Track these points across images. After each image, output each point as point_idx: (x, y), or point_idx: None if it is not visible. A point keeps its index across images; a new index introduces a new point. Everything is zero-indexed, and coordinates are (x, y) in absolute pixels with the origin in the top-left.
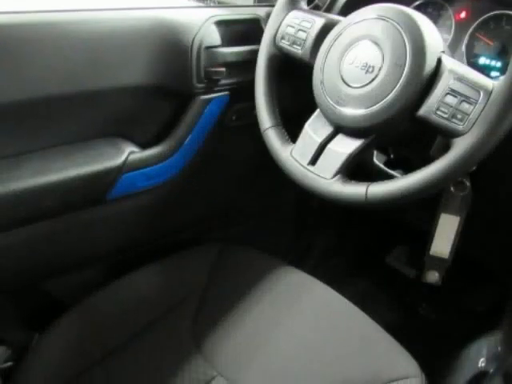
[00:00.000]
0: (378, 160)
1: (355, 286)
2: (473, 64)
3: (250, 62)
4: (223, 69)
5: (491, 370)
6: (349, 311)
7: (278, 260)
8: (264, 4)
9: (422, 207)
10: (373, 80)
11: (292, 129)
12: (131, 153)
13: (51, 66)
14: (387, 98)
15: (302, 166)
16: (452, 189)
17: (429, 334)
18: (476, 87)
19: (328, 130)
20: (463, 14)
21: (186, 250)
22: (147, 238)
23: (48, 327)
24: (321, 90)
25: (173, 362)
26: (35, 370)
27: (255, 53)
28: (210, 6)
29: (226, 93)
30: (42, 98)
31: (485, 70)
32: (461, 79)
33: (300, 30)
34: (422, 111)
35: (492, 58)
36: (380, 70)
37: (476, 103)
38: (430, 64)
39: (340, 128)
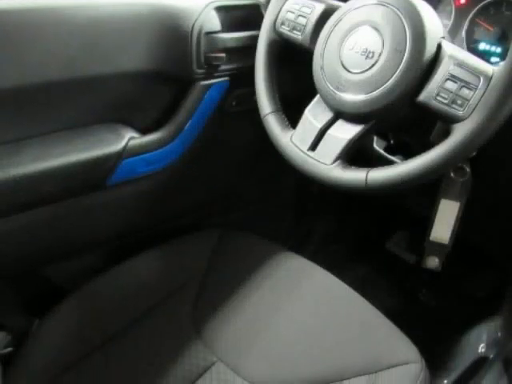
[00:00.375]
0: (377, 146)
1: (355, 271)
2: (473, 50)
3: (250, 47)
4: (223, 54)
5: (491, 356)
6: (349, 297)
7: (277, 245)
8: None
9: (422, 193)
10: (373, 66)
11: (292, 114)
12: (131, 138)
13: (51, 52)
14: (387, 84)
15: (301, 151)
16: (452, 174)
17: (429, 320)
18: (476, 73)
19: (328, 115)
20: (463, 0)
21: (185, 235)
22: (147, 224)
23: (48, 313)
24: (321, 76)
25: (173, 347)
26: (35, 356)
27: (255, 38)
28: None
29: (226, 78)
30: (41, 84)
31: (485, 56)
32: (461, 65)
33: (300, 15)
34: (422, 97)
35: (492, 44)
36: (380, 55)
37: (476, 89)
38: (430, 50)
39: (340, 113)
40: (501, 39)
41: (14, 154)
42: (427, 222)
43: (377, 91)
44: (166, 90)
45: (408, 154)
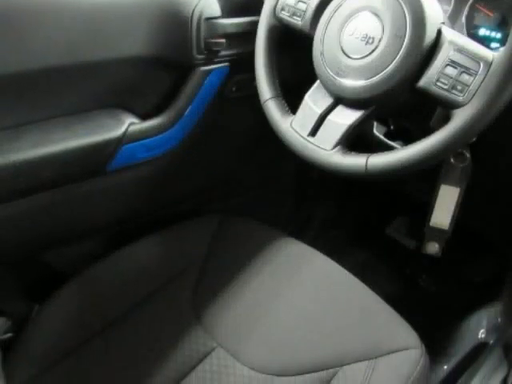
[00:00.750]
0: (378, 131)
1: (355, 257)
2: (473, 35)
3: (250, 33)
4: (223, 40)
5: (491, 341)
6: (349, 282)
7: (277, 231)
8: None
9: (422, 178)
10: (373, 51)
11: (292, 100)
12: (131, 124)
13: (51, 37)
14: (387, 69)
15: (301, 137)
16: (452, 160)
17: (429, 306)
18: (476, 58)
19: (328, 101)
20: None
21: (185, 221)
22: (147, 209)
23: (48, 298)
24: (321, 62)
25: (173, 333)
26: (35, 342)
27: (255, 24)
28: None
29: (226, 64)
30: (41, 70)
31: (485, 41)
32: (461, 50)
33: (300, 1)
34: (422, 82)
35: (492, 29)
36: (380, 41)
37: (476, 74)
38: (430, 35)
39: (340, 99)
40: (501, 25)
41: (14, 140)
42: (427, 207)
43: (377, 77)
44: (166, 75)
45: (408, 139)
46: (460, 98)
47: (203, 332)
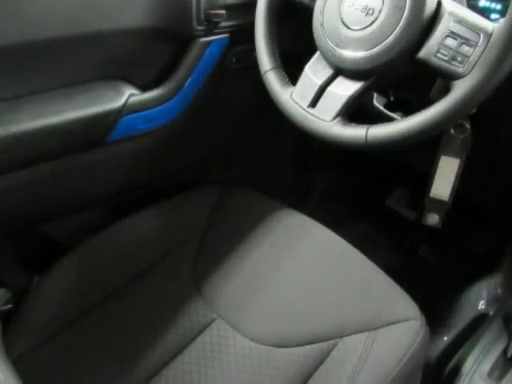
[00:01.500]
0: (377, 102)
1: (355, 228)
2: (473, 6)
3: (250, 4)
4: (223, 11)
5: (491, 313)
6: (349, 253)
7: (277, 202)
8: None
9: (422, 149)
10: (373, 22)
11: (292, 71)
12: (131, 95)
13: (51, 8)
14: (387, 41)
15: (301, 108)
16: (452, 131)
17: (429, 277)
18: (476, 29)
19: (328, 72)
20: None
21: (185, 192)
22: (147, 181)
23: (48, 270)
24: (321, 33)
25: (173, 304)
26: (35, 313)
27: None
28: None
29: (226, 35)
30: (41, 41)
31: (485, 13)
32: (461, 22)
33: None
34: (422, 53)
35: (492, 1)
36: (380, 12)
37: (476, 46)
38: (429, 6)
39: (340, 70)
40: None
41: (14, 111)
42: (427, 178)
43: (377, 48)
44: (166, 47)
45: (408, 110)
46: (460, 70)
47: (203, 303)
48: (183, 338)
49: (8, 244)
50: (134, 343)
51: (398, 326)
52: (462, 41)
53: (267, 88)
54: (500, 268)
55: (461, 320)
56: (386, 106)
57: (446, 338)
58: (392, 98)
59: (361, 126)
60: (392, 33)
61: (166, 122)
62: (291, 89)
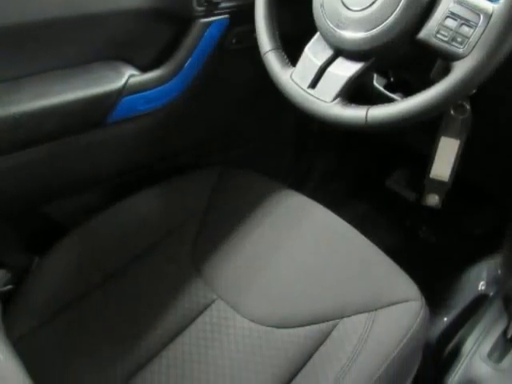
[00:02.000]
0: (378, 83)
1: (355, 209)
2: None
3: None
4: None
5: (491, 293)
6: (349, 234)
7: (277, 183)
8: None
9: (422, 130)
10: (373, 3)
11: (292, 52)
12: (131, 76)
13: None
14: (387, 21)
15: (301, 89)
16: (452, 112)
17: (429, 257)
18: (476, 10)
19: (328, 53)
20: None
21: (186, 173)
22: (147, 162)
23: (48, 251)
24: (321, 13)
25: (173, 285)
26: (35, 294)
27: None
28: None
29: (226, 16)
30: (41, 21)
31: None
32: (461, 2)
33: None
34: (422, 34)
35: None
36: None
37: (476, 26)
38: None
39: (340, 51)
40: None
41: (15, 92)
42: (427, 159)
43: (377, 29)
44: (166, 27)
45: (408, 91)
46: (460, 50)
47: (203, 284)
48: (183, 318)
49: (8, 225)
50: (134, 324)
51: (397, 306)
52: (462, 21)
53: (267, 69)
54: (500, 249)
55: (461, 301)
56: (386, 87)
57: (445, 319)
58: (392, 79)
59: (361, 106)
60: (392, 13)
61: (166, 102)
62: (291, 70)
